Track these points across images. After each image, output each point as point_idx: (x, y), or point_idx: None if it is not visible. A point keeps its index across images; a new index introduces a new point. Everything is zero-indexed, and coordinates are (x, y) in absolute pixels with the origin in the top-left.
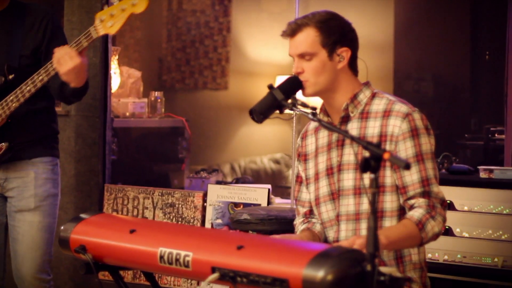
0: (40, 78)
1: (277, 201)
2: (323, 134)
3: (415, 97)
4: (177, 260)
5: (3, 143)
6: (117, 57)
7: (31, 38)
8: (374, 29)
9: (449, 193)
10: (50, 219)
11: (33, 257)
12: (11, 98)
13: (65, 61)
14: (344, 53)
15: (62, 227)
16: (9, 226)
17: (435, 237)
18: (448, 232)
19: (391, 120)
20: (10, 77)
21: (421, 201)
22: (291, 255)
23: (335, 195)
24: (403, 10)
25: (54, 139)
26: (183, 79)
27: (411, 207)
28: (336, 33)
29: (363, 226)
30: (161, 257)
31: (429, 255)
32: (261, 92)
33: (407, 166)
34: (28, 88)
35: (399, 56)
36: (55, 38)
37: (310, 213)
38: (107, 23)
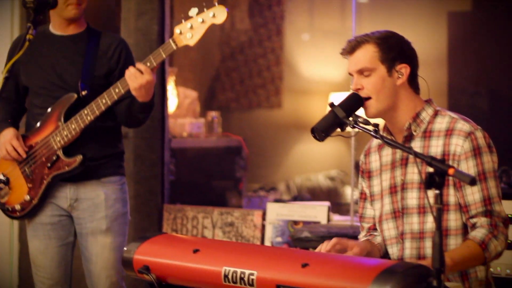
0: (117, 90)
1: (336, 218)
2: (387, 152)
3: (470, 112)
4: (241, 279)
5: (77, 156)
6: (174, 78)
7: (106, 62)
8: (427, 45)
9: (511, 207)
10: (121, 238)
11: (108, 275)
12: (85, 112)
13: (136, 77)
14: (403, 69)
15: (125, 248)
16: (81, 246)
17: (497, 256)
18: (510, 246)
19: (454, 139)
20: (83, 93)
21: (483, 220)
22: (356, 272)
23: (398, 214)
24: (456, 25)
25: (121, 158)
26: (237, 99)
27: (473, 226)
28: (395, 50)
29: (428, 245)
30: (225, 276)
31: (491, 270)
32: (315, 109)
33: (473, 182)
34: (104, 101)
35: (453, 71)
36: (128, 65)
37: (373, 228)
38: (186, 35)
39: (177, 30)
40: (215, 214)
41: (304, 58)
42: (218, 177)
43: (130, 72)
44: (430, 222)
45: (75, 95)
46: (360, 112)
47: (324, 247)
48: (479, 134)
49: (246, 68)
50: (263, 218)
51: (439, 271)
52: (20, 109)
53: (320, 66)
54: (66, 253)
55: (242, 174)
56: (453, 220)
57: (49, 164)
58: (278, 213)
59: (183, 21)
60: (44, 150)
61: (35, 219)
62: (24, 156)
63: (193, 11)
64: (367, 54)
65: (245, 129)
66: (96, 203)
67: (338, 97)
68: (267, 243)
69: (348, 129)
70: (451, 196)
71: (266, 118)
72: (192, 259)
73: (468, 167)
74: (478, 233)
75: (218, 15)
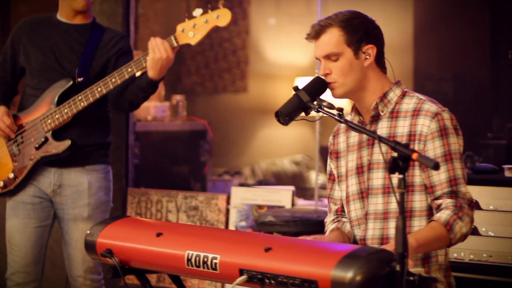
0: (113, 80)
1: (300, 202)
2: (355, 133)
3: (435, 97)
4: (204, 262)
5: (65, 140)
6: None
7: (105, 52)
8: (393, 30)
9: (475, 192)
10: None
11: (86, 260)
12: (79, 97)
13: (160, 50)
14: (370, 50)
15: (88, 232)
16: (62, 230)
17: (463, 238)
18: (474, 231)
19: (420, 120)
20: (80, 79)
21: (448, 201)
22: (319, 256)
23: (364, 194)
24: (422, 10)
25: (107, 148)
26: (203, 82)
27: (438, 208)
28: (360, 31)
29: (391, 225)
30: (189, 260)
31: (455, 255)
32: (280, 94)
33: (436, 166)
34: (99, 89)
35: (419, 56)
36: (124, 56)
37: (341, 211)
38: (188, 33)
39: (180, 28)
40: (180, 198)
41: (270, 42)
42: (183, 161)
43: (156, 41)
44: (394, 203)
45: (71, 81)
46: (327, 94)
47: None
48: (446, 115)
49: (212, 51)
50: (228, 202)
51: (403, 256)
52: (13, 91)
53: (286, 50)
54: (43, 235)
55: (206, 158)
56: (417, 201)
57: (37, 145)
58: (242, 197)
59: (186, 20)
60: (33, 131)
61: (16, 198)
62: (14, 133)
63: (198, 12)
64: (333, 38)
65: (210, 113)
66: (79, 190)
67: (303, 82)
68: (231, 227)
69: (313, 113)
70: (417, 176)
71: (232, 102)
72: (155, 242)
73: (434, 147)
74: (443, 215)
75: (222, 17)
